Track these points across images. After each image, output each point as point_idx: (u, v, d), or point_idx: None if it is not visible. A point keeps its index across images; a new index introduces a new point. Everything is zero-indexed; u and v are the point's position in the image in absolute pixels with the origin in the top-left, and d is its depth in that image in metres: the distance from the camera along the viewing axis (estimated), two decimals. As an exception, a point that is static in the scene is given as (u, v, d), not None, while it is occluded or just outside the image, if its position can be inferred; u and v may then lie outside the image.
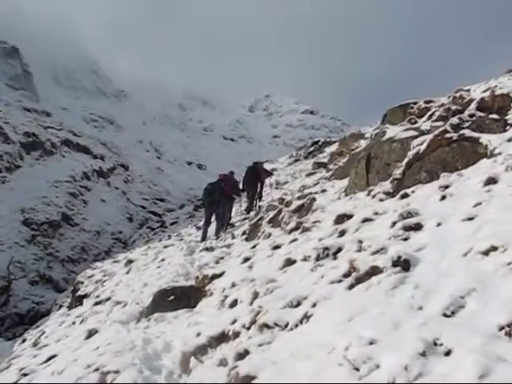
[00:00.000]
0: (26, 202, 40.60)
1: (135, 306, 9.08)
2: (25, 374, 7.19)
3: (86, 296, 13.63)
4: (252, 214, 16.43)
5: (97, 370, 5.66)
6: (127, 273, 13.93)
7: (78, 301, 13.98)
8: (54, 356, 7.70)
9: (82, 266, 31.84)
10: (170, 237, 23.29)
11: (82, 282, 15.44)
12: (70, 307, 14.85)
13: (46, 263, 37.03)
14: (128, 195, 52.59)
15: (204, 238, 15.34)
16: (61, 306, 19.72)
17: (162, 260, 13.26)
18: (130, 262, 15.62)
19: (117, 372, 5.30)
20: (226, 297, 6.79)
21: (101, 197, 49.25)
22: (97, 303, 11.46)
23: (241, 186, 17.33)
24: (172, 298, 8.03)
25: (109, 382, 5.19)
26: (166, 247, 16.67)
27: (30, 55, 77.90)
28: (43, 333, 11.56)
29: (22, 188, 41.98)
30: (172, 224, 36.41)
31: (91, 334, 8.16)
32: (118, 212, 47.83)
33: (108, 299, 11.09)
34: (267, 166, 24.24)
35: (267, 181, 19.60)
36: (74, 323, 10.78)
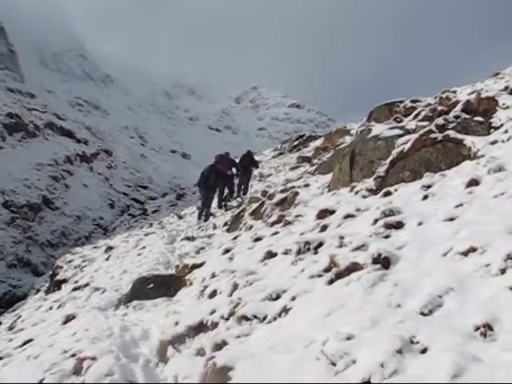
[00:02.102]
0: (6, 184, 40.22)
1: (114, 293, 9.04)
2: (0, 358, 7.12)
3: (64, 281, 13.55)
4: (234, 203, 16.45)
5: (73, 355, 5.63)
6: (107, 259, 13.88)
7: (57, 285, 13.90)
8: (30, 340, 7.63)
9: (61, 251, 31.66)
10: (151, 225, 23.26)
11: (61, 267, 15.34)
12: (48, 292, 14.76)
13: (25, 246, 36.76)
14: (111, 181, 52.33)
15: (199, 218, 15.86)
16: (38, 290, 19.62)
17: (143, 248, 13.22)
18: (110, 248, 15.57)
19: (93, 359, 5.27)
20: (206, 287, 6.79)
21: (83, 182, 48.97)
22: (75, 288, 11.39)
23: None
24: (151, 286, 8.02)
25: (85, 368, 5.17)
26: (146, 235, 16.64)
27: (16, 35, 76.91)
28: (19, 317, 11.47)
29: (3, 170, 41.56)
30: (154, 212, 36.35)
31: (68, 319, 8.10)
32: (99, 198, 47.59)
33: (87, 285, 11.03)
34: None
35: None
36: (51, 308, 10.71)
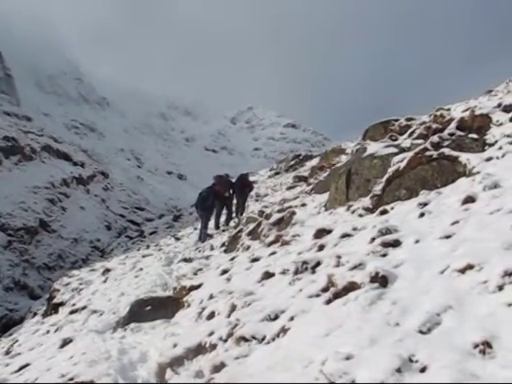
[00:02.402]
0: (2, 207, 40.12)
1: (112, 316, 9.00)
2: (-3, 383, 7.06)
3: (61, 304, 13.49)
4: (232, 224, 16.46)
5: (71, 379, 5.59)
6: (104, 281, 13.83)
7: (54, 309, 13.83)
8: (26, 365, 7.57)
9: (58, 274, 31.46)
10: (148, 246, 23.21)
11: (58, 290, 15.28)
12: (45, 315, 14.68)
13: (21, 270, 36.56)
14: (107, 203, 52.24)
15: (200, 239, 16.03)
16: (35, 314, 19.48)
17: (140, 270, 13.18)
18: (107, 270, 15.51)
19: (91, 382, 5.24)
20: (204, 308, 6.76)
21: (80, 204, 48.86)
22: (72, 312, 11.33)
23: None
24: (149, 308, 7.99)
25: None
26: (144, 257, 16.61)
27: (12, 58, 77.30)
28: (16, 341, 11.38)
29: (0, 193, 41.47)
30: (151, 234, 36.23)
31: (66, 342, 8.06)
32: (96, 220, 47.46)
33: (84, 308, 10.98)
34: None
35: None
36: (48, 331, 10.64)
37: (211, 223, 16.76)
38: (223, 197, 16.78)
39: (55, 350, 7.91)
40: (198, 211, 16.61)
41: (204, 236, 15.87)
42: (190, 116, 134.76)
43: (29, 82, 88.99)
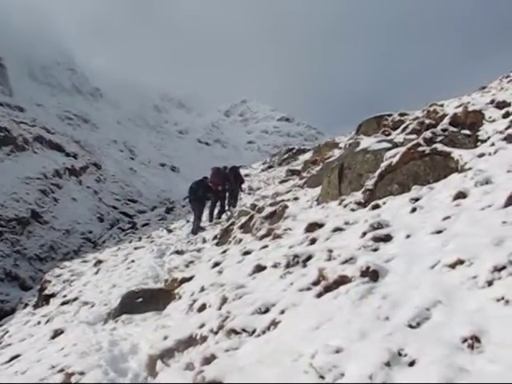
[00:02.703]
0: (-6, 198, 39.93)
1: (103, 307, 9.00)
2: (-13, 374, 7.05)
3: (52, 295, 13.46)
4: (224, 217, 16.46)
5: (61, 370, 5.59)
6: (96, 273, 13.81)
7: (45, 300, 13.80)
8: (17, 356, 7.56)
9: (50, 265, 31.39)
10: (140, 238, 23.15)
11: (50, 281, 15.23)
12: (36, 306, 14.64)
13: (12, 260, 36.46)
14: (100, 195, 52.12)
15: (194, 231, 15.93)
16: (26, 305, 19.42)
17: (132, 261, 13.17)
18: (99, 262, 15.49)
19: (82, 373, 5.24)
20: (195, 301, 6.77)
21: (72, 195, 48.73)
22: (64, 303, 11.31)
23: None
24: (140, 300, 7.98)
25: (73, 382, 5.13)
26: (136, 249, 16.58)
27: (5, 48, 76.79)
28: (7, 332, 11.35)
29: (-8, 183, 41.30)
30: (143, 226, 36.16)
31: (57, 334, 8.05)
32: (88, 211, 47.36)
33: (75, 299, 10.96)
34: (241, 171, 24.42)
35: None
36: (39, 323, 10.62)
37: (205, 215, 16.78)
38: (215, 190, 16.74)
39: (46, 341, 7.90)
40: (191, 204, 16.68)
41: (196, 228, 15.88)
42: (183, 108, 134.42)
43: (22, 72, 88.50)
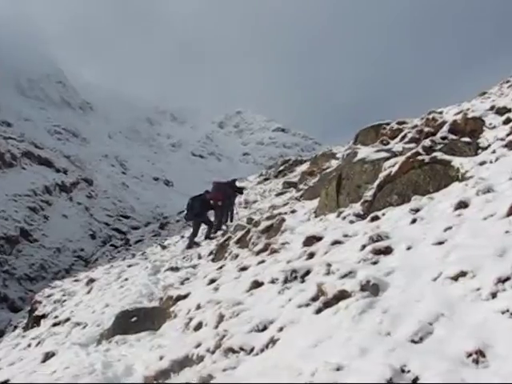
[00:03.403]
0: (-18, 216, 39.80)
1: (96, 328, 8.95)
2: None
3: (43, 316, 13.37)
4: (219, 233, 16.45)
5: (53, 394, 5.55)
6: (88, 292, 13.73)
7: (35, 321, 13.70)
8: (6, 381, 7.50)
9: (40, 285, 31.18)
10: (134, 255, 23.08)
11: (40, 302, 15.14)
12: (26, 328, 14.54)
13: (1, 281, 36.23)
14: (91, 211, 51.96)
15: (190, 247, 15.88)
16: (16, 327, 19.32)
17: (125, 280, 13.12)
18: (91, 281, 15.41)
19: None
20: (191, 319, 6.75)
21: (62, 212, 48.56)
22: (55, 324, 11.25)
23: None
24: (135, 319, 7.95)
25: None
26: (129, 266, 16.50)
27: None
28: (-4, 355, 11.27)
29: (-21, 201, 41.17)
30: (136, 242, 36.01)
31: (48, 356, 8.00)
32: (80, 228, 47.18)
33: (67, 320, 10.90)
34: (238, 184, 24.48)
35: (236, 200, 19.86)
36: (29, 345, 10.54)
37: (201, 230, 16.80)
38: (215, 205, 16.77)
39: (37, 365, 7.85)
40: (188, 217, 16.82)
41: (191, 243, 15.90)
42: (176, 121, 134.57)
43: (9, 86, 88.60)
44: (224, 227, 17.04)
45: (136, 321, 7.91)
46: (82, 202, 52.60)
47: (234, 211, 18.99)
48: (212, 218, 17.20)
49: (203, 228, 16.95)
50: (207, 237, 16.30)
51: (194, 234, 16.32)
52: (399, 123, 12.47)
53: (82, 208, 51.49)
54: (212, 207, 16.77)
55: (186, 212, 16.70)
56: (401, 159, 8.51)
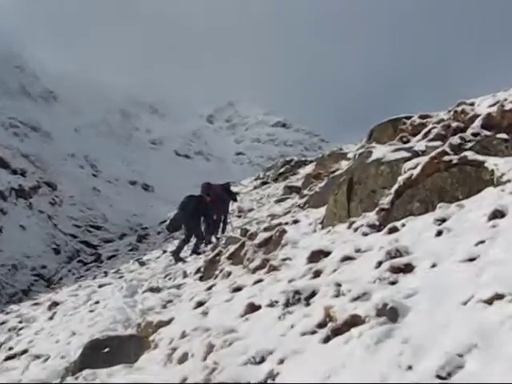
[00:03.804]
0: None
1: (60, 361, 8.92)
2: None
3: (-5, 348, 13.32)
4: (209, 247, 16.47)
5: None
6: (51, 318, 13.70)
7: (-15, 354, 13.64)
8: None
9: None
10: (106, 274, 23.10)
11: (-8, 330, 15.10)
12: (-25, 362, 14.49)
13: None
14: (55, 221, 51.94)
15: (177, 255, 16.21)
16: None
17: (96, 303, 13.10)
18: (54, 304, 15.38)
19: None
20: (175, 349, 6.74)
21: (20, 222, 48.51)
22: (9, 357, 11.16)
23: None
24: (107, 350, 7.93)
25: None
26: (101, 286, 16.48)
27: None
28: None
29: None
30: (109, 258, 36.07)
31: (-1, 399, 7.97)
32: (41, 242, 47.16)
33: (24, 352, 10.83)
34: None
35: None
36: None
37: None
38: (210, 207, 16.86)
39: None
40: (181, 222, 16.87)
41: (179, 252, 16.05)
42: (157, 114, 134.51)
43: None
44: (214, 240, 17.07)
45: (108, 352, 7.89)
46: (43, 210, 52.58)
47: (228, 220, 19.02)
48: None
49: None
50: (194, 251, 16.27)
51: (186, 240, 16.37)
52: (422, 117, 12.47)
53: (43, 217, 51.46)
54: (207, 212, 16.83)
55: (175, 214, 16.72)
56: (424, 160, 8.51)
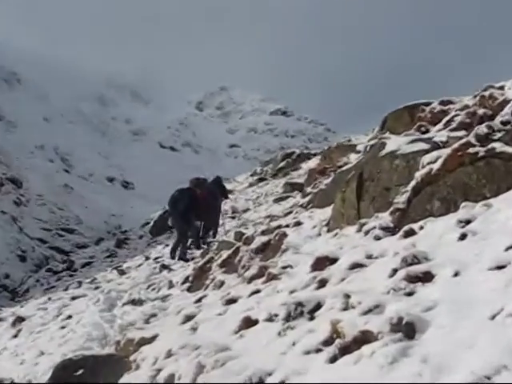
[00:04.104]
0: None
1: (26, 385, 8.92)
2: None
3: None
4: (199, 252, 16.50)
5: None
6: (15, 336, 13.69)
7: None
8: None
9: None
10: (80, 284, 23.05)
11: None
12: None
13: None
14: (20, 223, 51.83)
15: (173, 257, 16.47)
16: None
17: (68, 317, 13.11)
18: (19, 319, 15.36)
19: None
20: (159, 371, 6.73)
21: (-20, 225, 48.40)
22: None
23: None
24: (81, 372, 7.93)
25: None
26: (74, 299, 16.50)
27: None
28: None
29: None
30: (84, 266, 36.01)
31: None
32: (4, 247, 47.02)
33: (-16, 375, 10.86)
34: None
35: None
36: None
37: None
38: (207, 205, 16.92)
39: None
40: (172, 219, 16.95)
41: (173, 252, 16.15)
42: (138, 100, 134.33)
43: None
44: (204, 245, 17.10)
45: (83, 374, 7.89)
46: (6, 211, 52.42)
47: (220, 222, 19.03)
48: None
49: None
50: (182, 258, 16.41)
51: (178, 241, 16.45)
52: (443, 103, 12.47)
53: (7, 219, 51.32)
54: (207, 209, 16.94)
55: (168, 209, 16.85)
56: (445, 152, 8.51)
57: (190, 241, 17.23)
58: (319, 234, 10.44)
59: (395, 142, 10.51)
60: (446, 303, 4.80)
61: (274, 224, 12.88)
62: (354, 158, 16.00)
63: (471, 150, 8.14)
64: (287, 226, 11.74)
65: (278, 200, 21.22)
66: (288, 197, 20.47)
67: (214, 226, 18.20)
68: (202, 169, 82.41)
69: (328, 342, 5.02)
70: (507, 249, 5.42)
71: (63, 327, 12.21)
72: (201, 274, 11.97)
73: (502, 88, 11.28)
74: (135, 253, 28.64)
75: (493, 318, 4.27)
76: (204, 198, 17.07)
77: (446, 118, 11.19)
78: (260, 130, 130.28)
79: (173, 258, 16.15)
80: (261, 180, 35.39)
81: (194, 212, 16.68)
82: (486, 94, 10.94)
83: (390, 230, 8.31)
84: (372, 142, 13.08)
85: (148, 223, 36.77)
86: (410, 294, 5.41)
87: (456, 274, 5.38)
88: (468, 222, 6.84)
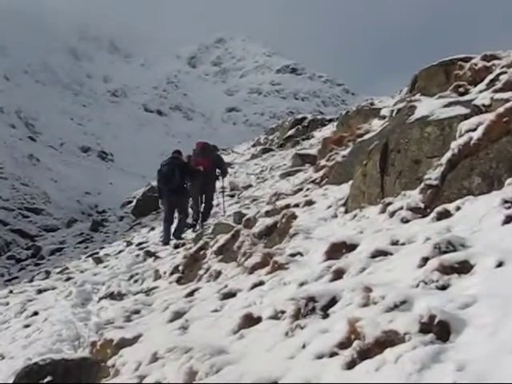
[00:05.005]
0: None
1: (-18, 395, 8.96)
2: None
3: None
4: (192, 236, 16.54)
5: None
6: (-29, 336, 13.76)
7: None
8: None
9: None
10: (48, 274, 23.11)
11: None
12: None
13: None
14: (-23, 202, 51.91)
15: (167, 242, 16.76)
16: None
17: (34, 314, 13.14)
18: (-24, 317, 15.43)
19: None
20: (143, 378, 6.75)
21: None
22: None
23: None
24: (49, 379, 7.94)
25: None
26: (40, 292, 16.54)
27: None
28: None
29: None
30: (53, 253, 36.09)
31: None
32: (-42, 231, 47.16)
33: None
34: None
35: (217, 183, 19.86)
36: None
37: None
38: (198, 173, 16.99)
39: None
40: (162, 195, 17.07)
41: (167, 238, 16.30)
42: (118, 54, 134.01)
43: None
44: (198, 226, 17.14)
45: (51, 382, 7.90)
46: (-39, 188, 52.53)
47: (214, 201, 19.03)
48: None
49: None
50: (177, 236, 16.60)
51: (170, 223, 16.61)
52: (486, 58, 12.39)
53: (-39, 197, 51.44)
54: (200, 178, 17.03)
55: (158, 185, 16.98)
56: (488, 118, 8.47)
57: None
58: (335, 216, 10.43)
59: (427, 106, 10.47)
60: (487, 299, 4.79)
61: (281, 203, 12.87)
62: (377, 124, 15.97)
63: (519, 117, 8.10)
64: (296, 205, 11.74)
65: (285, 175, 21.18)
66: (298, 171, 20.44)
67: (211, 203, 18.25)
68: (195, 137, 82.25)
69: (345, 345, 5.01)
70: (560, 234, 5.42)
71: (27, 326, 12.24)
72: (193, 262, 11.98)
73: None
74: (114, 237, 28.72)
75: (543, 316, 4.27)
76: (207, 169, 17.11)
77: (490, 77, 11.13)
78: (264, 91, 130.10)
79: (166, 243, 16.18)
80: (265, 151, 35.34)
81: (188, 180, 16.81)
82: (539, 47, 10.89)
83: (419, 211, 8.30)
84: (399, 106, 13.04)
85: (130, 202, 36.79)
86: (443, 287, 5.40)
87: (499, 265, 5.36)
88: (514, 202, 6.83)
